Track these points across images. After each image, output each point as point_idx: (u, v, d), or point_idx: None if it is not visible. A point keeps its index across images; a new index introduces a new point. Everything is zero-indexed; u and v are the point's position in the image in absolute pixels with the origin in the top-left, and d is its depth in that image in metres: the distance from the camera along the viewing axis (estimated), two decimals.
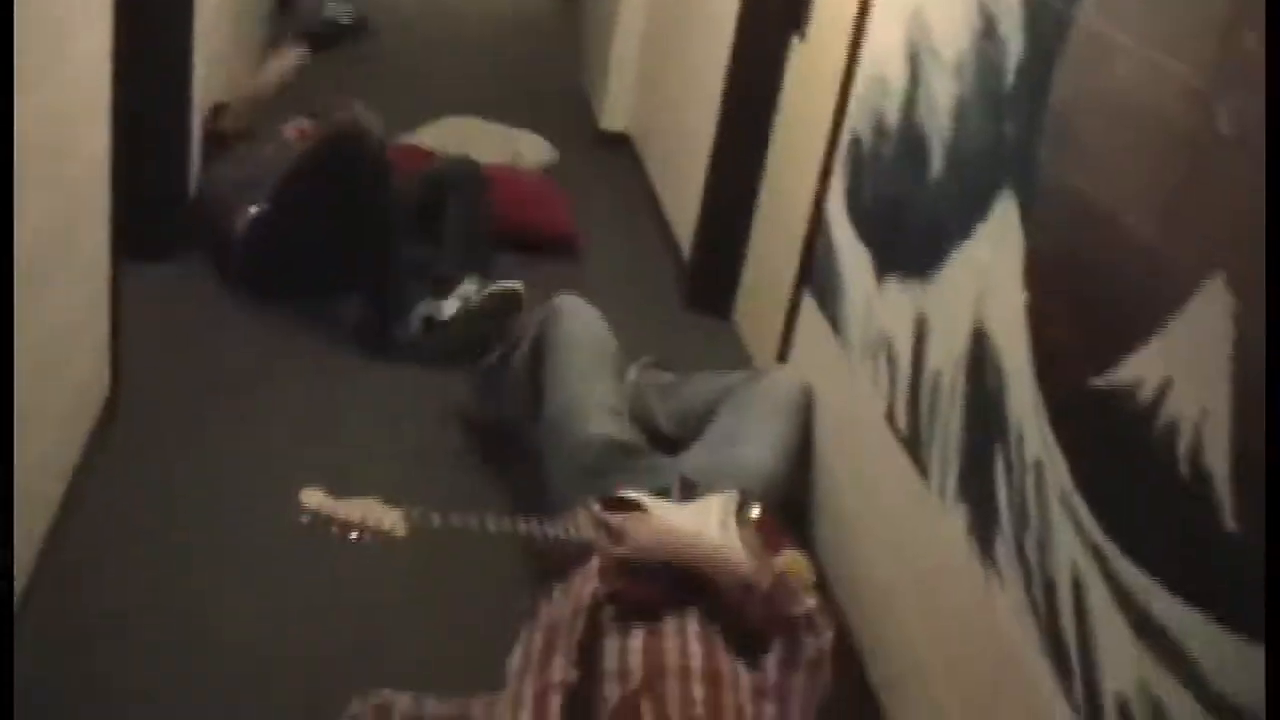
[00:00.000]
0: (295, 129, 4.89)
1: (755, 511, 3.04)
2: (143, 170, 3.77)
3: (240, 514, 3.29)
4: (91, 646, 2.82)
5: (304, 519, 2.57)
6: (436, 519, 2.67)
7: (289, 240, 4.25)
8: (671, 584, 2.74)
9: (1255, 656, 1.64)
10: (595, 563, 2.78)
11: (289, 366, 4.04)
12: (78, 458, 3.22)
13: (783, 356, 3.79)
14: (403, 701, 2.53)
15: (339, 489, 2.61)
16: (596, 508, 2.85)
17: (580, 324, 3.46)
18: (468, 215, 4.51)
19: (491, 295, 4.21)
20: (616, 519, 2.79)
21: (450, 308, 4.22)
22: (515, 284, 4.24)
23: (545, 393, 3.38)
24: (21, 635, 2.63)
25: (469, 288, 4.26)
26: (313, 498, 2.60)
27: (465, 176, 4.61)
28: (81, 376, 3.24)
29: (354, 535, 2.58)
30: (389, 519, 2.62)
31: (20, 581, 2.77)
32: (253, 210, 4.34)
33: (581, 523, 2.82)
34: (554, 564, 2.90)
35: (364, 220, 4.17)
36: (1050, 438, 2.20)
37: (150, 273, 4.16)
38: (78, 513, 3.14)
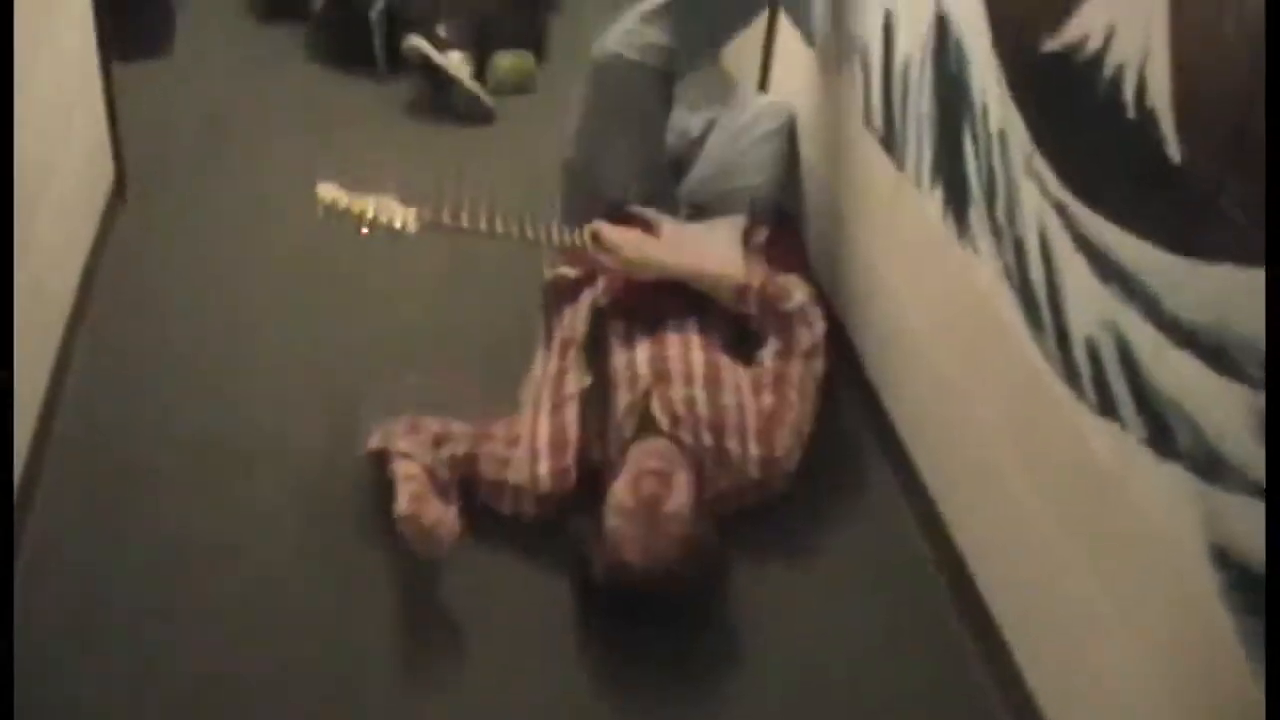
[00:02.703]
0: None
1: (764, 235, 3.13)
2: None
3: (260, 237, 3.58)
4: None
5: (319, 211, 2.68)
6: (447, 217, 2.77)
7: None
8: (672, 294, 2.86)
9: (1205, 274, 1.76)
10: (601, 282, 2.90)
11: (292, 124, 4.26)
12: (94, 233, 3.41)
13: (763, 84, 3.84)
14: (432, 422, 2.68)
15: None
16: (598, 222, 2.93)
17: (608, 78, 3.21)
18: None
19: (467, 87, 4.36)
20: (612, 231, 2.88)
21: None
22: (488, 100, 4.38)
23: (576, 132, 3.30)
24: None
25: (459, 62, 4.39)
26: (328, 191, 2.70)
27: None
28: (82, 162, 3.35)
29: (365, 228, 2.69)
30: (401, 214, 2.72)
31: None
32: None
33: (584, 234, 2.91)
34: (563, 290, 3.02)
35: None
36: (1011, 105, 2.29)
37: (145, 68, 4.37)
38: (105, 263, 3.41)
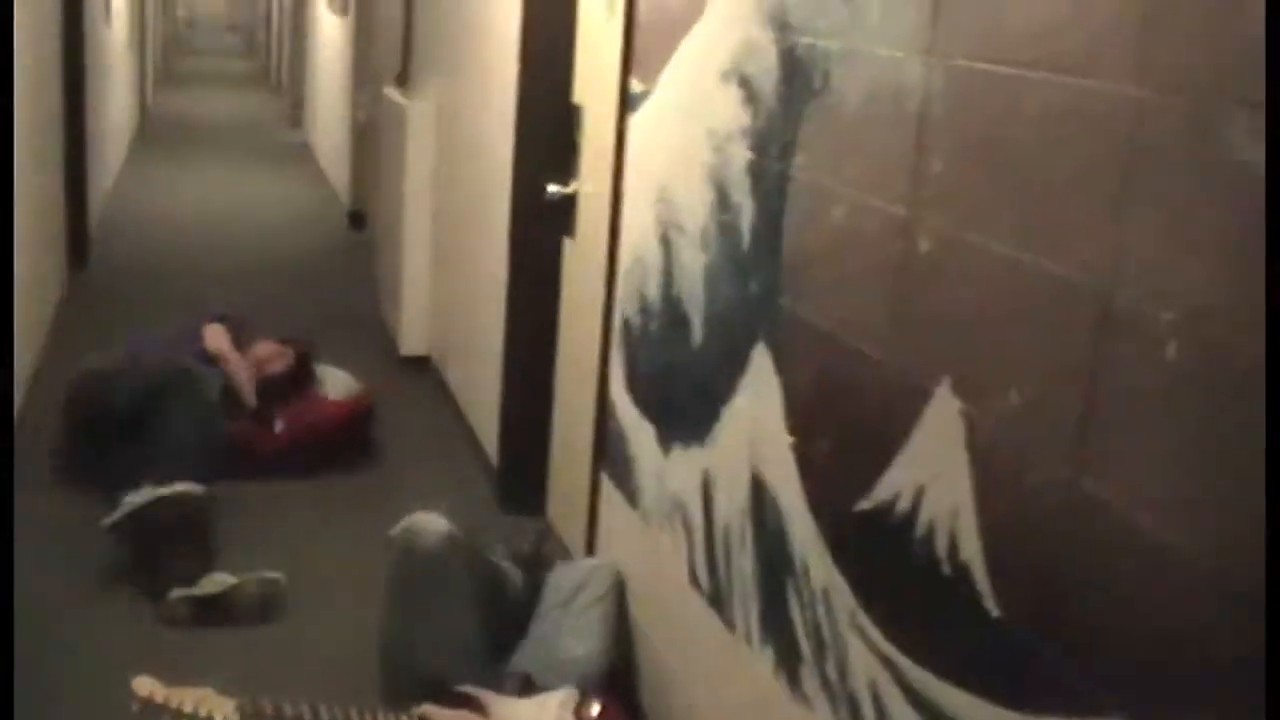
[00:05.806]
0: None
1: (595, 708, 3.06)
2: None
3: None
4: None
5: (135, 707, 2.55)
6: (269, 708, 2.66)
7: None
8: None
9: None
10: None
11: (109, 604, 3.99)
12: None
13: (590, 544, 3.85)
14: None
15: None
16: (427, 705, 2.83)
17: (427, 559, 3.24)
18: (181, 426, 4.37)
19: (160, 499, 3.98)
20: (440, 713, 2.79)
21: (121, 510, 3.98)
22: (193, 488, 4.07)
23: (389, 617, 3.27)
24: None
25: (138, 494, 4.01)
26: (144, 685, 2.58)
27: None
28: None
29: None
30: (221, 707, 2.60)
31: None
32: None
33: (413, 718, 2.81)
34: None
35: None
36: (831, 564, 2.31)
37: None
38: None
